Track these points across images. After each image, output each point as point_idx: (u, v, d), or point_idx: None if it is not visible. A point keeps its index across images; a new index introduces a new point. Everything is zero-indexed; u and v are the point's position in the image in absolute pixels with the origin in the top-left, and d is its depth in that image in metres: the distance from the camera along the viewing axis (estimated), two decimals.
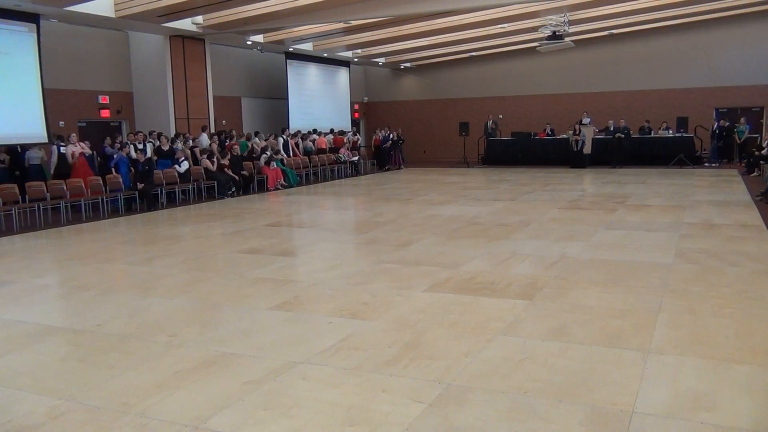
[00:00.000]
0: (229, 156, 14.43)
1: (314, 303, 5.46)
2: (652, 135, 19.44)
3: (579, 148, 18.88)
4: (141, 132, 13.84)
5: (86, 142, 13.03)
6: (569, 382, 3.61)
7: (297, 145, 18.21)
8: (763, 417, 3.19)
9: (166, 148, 13.48)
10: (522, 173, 17.89)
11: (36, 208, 10.58)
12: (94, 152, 13.22)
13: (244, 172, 14.62)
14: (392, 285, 5.95)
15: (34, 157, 12.35)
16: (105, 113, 15.26)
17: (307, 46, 19.28)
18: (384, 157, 20.83)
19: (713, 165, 18.28)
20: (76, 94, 14.55)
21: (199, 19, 14.60)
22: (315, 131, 19.65)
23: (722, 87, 20.21)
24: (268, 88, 20.03)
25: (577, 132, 18.89)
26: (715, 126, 18.40)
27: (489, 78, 23.53)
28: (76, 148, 12.50)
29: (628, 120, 19.78)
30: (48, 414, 3.39)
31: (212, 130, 16.25)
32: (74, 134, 12.80)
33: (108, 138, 13.40)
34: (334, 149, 19.50)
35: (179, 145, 14.01)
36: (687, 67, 20.59)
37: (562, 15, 15.98)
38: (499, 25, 17.44)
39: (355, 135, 21.01)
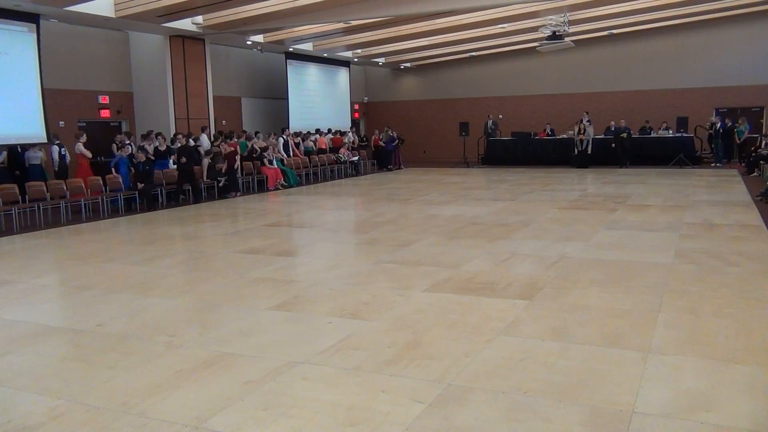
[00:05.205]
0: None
1: (314, 303, 5.46)
2: (652, 135, 19.44)
3: (584, 148, 18.88)
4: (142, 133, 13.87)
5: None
6: (569, 382, 3.61)
7: (297, 145, 18.20)
8: (763, 417, 3.19)
9: (163, 148, 13.45)
10: (522, 173, 17.89)
11: (36, 208, 10.58)
12: (100, 158, 13.31)
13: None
14: (392, 285, 5.95)
15: (34, 157, 12.34)
16: (105, 113, 15.25)
17: (307, 46, 19.27)
18: (384, 157, 20.85)
19: (718, 165, 18.22)
20: (76, 94, 14.54)
21: (199, 19, 14.59)
22: (317, 131, 19.65)
23: (722, 87, 20.20)
24: (268, 88, 20.03)
25: (582, 131, 18.89)
26: (719, 125, 18.32)
27: (489, 78, 23.53)
28: (85, 150, 12.54)
29: (628, 120, 19.77)
30: (48, 414, 3.39)
31: (212, 130, 16.25)
32: (85, 134, 12.84)
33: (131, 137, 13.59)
34: (334, 149, 19.50)
35: (179, 145, 14.00)
36: (687, 67, 20.58)
37: (562, 15, 15.98)
38: (499, 25, 17.43)
39: (355, 135, 20.99)
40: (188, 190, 13.28)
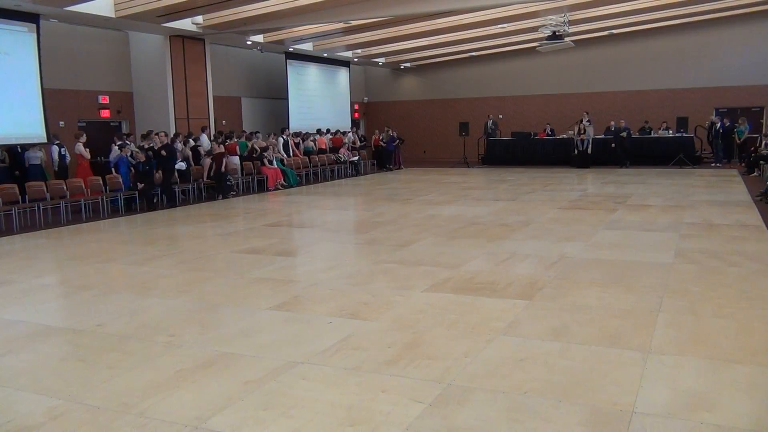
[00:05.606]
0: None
1: (314, 303, 5.46)
2: (652, 135, 19.44)
3: (584, 148, 18.88)
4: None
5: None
6: (569, 382, 3.61)
7: (297, 145, 18.20)
8: (763, 417, 3.19)
9: (157, 147, 13.35)
10: (522, 173, 17.89)
11: (36, 208, 10.58)
12: (100, 158, 13.26)
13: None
14: (392, 285, 5.95)
15: (34, 157, 12.34)
16: (105, 113, 15.25)
17: (307, 46, 19.27)
18: (385, 157, 20.86)
19: (718, 165, 18.21)
20: (76, 94, 14.54)
21: (199, 19, 14.59)
22: (318, 131, 19.65)
23: (722, 87, 20.20)
24: (268, 88, 20.03)
25: (582, 131, 18.88)
26: (719, 125, 18.30)
27: (489, 78, 23.53)
28: (84, 150, 12.53)
29: (628, 120, 19.77)
30: (48, 414, 3.39)
31: (212, 130, 16.24)
32: (84, 135, 12.83)
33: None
34: (335, 149, 19.51)
35: (179, 145, 14.00)
36: (687, 67, 20.58)
37: (562, 15, 15.98)
38: (499, 25, 17.44)
39: (355, 135, 20.98)
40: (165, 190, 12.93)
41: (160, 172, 12.45)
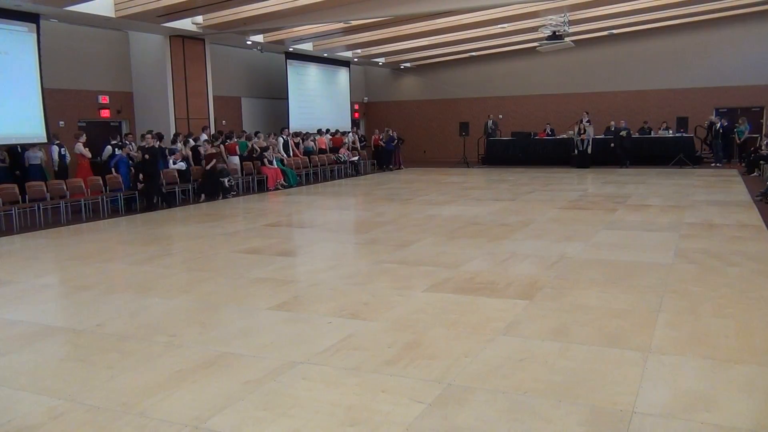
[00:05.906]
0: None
1: (314, 303, 5.46)
2: (652, 135, 19.44)
3: (584, 148, 18.88)
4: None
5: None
6: (569, 382, 3.61)
7: (297, 145, 18.20)
8: (763, 417, 3.19)
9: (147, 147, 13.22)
10: (522, 173, 17.89)
11: (36, 208, 10.58)
12: (100, 158, 13.24)
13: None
14: (392, 285, 5.95)
15: (34, 157, 12.34)
16: (105, 113, 15.25)
17: (307, 46, 19.27)
18: (385, 157, 20.85)
19: (718, 165, 18.21)
20: (76, 94, 14.54)
21: (199, 19, 14.59)
22: (319, 131, 19.64)
23: (722, 87, 20.20)
24: (268, 88, 20.03)
25: (583, 131, 18.88)
26: (719, 125, 18.29)
27: (489, 78, 23.52)
28: (84, 150, 12.52)
29: (628, 120, 19.78)
30: (48, 414, 3.39)
31: (212, 130, 16.25)
32: (84, 135, 12.81)
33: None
34: (335, 149, 19.51)
35: (179, 145, 14.00)
36: (687, 67, 20.58)
37: (562, 15, 15.98)
38: (499, 25, 17.44)
39: (355, 135, 20.97)
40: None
41: (141, 175, 12.20)
